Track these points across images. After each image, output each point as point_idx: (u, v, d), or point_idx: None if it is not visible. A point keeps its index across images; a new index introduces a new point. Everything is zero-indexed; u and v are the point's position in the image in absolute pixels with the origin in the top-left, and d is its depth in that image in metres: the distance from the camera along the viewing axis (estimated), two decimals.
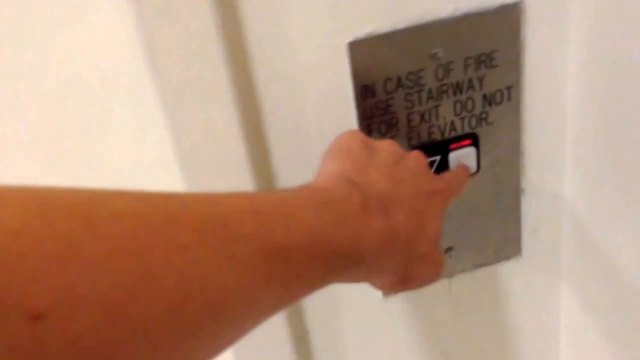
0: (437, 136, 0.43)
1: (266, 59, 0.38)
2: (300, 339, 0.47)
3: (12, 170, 0.40)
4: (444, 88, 0.42)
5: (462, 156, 0.44)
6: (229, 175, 0.40)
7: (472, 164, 0.45)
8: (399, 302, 0.48)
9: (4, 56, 0.37)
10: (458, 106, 0.43)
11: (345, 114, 0.41)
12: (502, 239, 0.49)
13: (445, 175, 0.41)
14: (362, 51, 0.39)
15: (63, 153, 0.41)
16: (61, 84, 0.37)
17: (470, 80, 0.42)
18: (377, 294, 0.47)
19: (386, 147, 0.35)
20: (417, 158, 0.36)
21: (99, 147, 0.40)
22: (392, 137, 0.42)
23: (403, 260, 0.33)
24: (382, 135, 0.42)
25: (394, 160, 0.34)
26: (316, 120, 0.41)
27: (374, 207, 0.31)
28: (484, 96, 0.43)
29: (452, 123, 0.43)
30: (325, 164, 0.34)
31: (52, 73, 0.37)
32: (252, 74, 0.38)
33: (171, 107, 0.36)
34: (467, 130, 0.44)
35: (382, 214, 0.31)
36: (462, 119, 0.43)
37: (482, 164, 0.45)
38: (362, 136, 0.36)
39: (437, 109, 0.42)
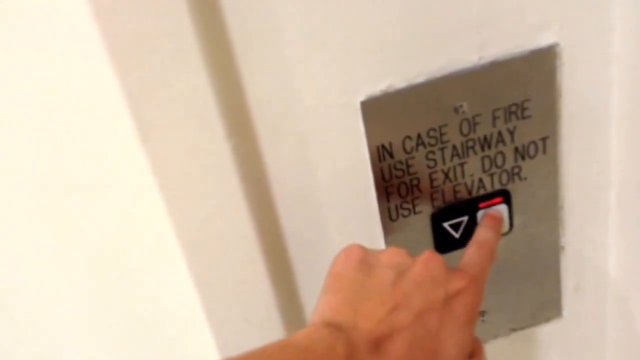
0: (464, 195, 0.39)
1: (272, 121, 0.34)
2: None
3: None
4: (470, 144, 0.37)
5: None
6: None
7: (506, 223, 0.40)
8: None
9: None
10: (487, 162, 0.38)
11: (360, 179, 0.36)
12: (541, 300, 0.44)
13: (468, 261, 0.35)
14: (376, 109, 0.35)
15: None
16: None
17: (499, 134, 0.37)
18: None
19: (387, 260, 0.31)
20: (427, 262, 0.31)
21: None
22: (414, 199, 0.38)
23: None
24: (403, 198, 0.38)
25: (396, 275, 0.30)
26: (329, 188, 0.36)
27: (363, 352, 0.27)
28: (516, 149, 0.38)
29: (481, 180, 0.38)
30: (318, 299, 0.30)
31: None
32: (257, 134, 0.34)
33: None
34: (497, 187, 0.39)
35: (374, 356, 0.27)
36: (492, 175, 0.38)
37: (516, 222, 0.40)
38: (358, 254, 0.31)
39: (463, 166, 0.38)
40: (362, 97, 0.34)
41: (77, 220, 0.38)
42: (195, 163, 0.32)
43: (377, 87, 0.34)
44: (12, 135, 0.35)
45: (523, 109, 0.37)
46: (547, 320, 0.44)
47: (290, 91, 0.33)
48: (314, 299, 0.31)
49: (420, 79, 0.35)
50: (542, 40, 0.35)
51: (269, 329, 0.37)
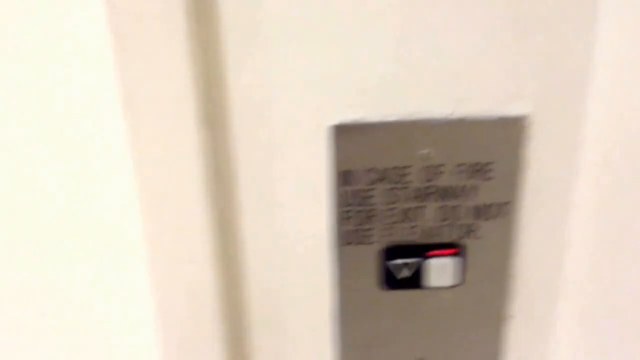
0: (417, 238, 0.41)
1: (245, 125, 0.37)
2: None
3: None
4: (431, 190, 0.39)
5: (443, 265, 0.41)
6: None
7: (452, 276, 0.42)
8: None
9: None
10: (445, 212, 0.40)
11: (319, 199, 0.39)
12: None
13: None
14: (345, 136, 0.38)
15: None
16: None
17: (460, 188, 0.39)
18: None
19: None
20: None
21: None
22: (368, 230, 0.40)
23: None
24: (357, 226, 0.40)
25: None
26: (289, 201, 0.39)
27: None
28: (475, 207, 0.40)
29: (438, 228, 0.40)
30: None
31: None
32: (230, 140, 0.38)
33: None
34: (453, 238, 0.41)
35: None
36: (449, 226, 0.40)
37: (466, 277, 0.42)
38: None
39: (422, 210, 0.40)
40: (334, 122, 0.37)
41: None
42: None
43: (350, 115, 0.37)
44: None
45: (487, 170, 0.39)
46: None
47: (265, 101, 0.36)
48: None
49: (392, 117, 0.37)
50: (513, 110, 0.37)
51: None
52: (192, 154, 0.36)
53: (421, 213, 0.40)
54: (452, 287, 0.42)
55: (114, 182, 0.34)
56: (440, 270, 0.41)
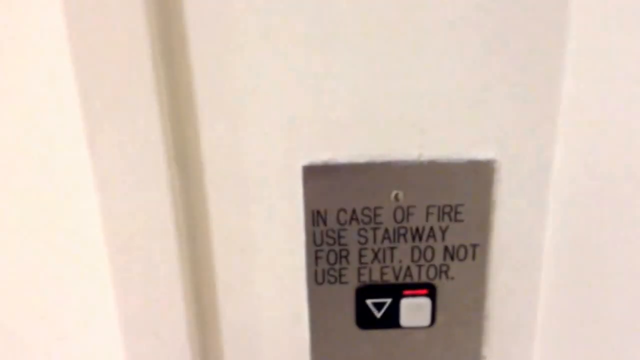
0: (390, 278, 0.41)
1: (217, 163, 0.38)
2: None
3: None
4: (402, 231, 0.40)
5: (416, 305, 0.42)
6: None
7: (426, 316, 0.42)
8: None
9: None
10: (416, 252, 0.41)
11: (292, 238, 0.40)
12: None
13: None
14: (316, 176, 0.39)
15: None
16: None
17: (431, 229, 0.40)
18: None
19: None
20: None
21: None
22: (341, 269, 0.41)
23: None
24: (331, 265, 0.41)
25: None
26: (263, 237, 0.40)
27: None
28: (446, 248, 0.41)
29: (409, 268, 0.41)
30: None
31: None
32: (203, 180, 0.39)
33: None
34: (424, 279, 0.41)
35: None
36: (420, 266, 0.41)
37: (438, 318, 0.42)
38: None
39: (393, 250, 0.41)
40: (304, 162, 0.38)
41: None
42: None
43: (320, 156, 0.38)
44: None
45: (456, 212, 0.40)
46: None
47: (237, 143, 0.38)
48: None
49: (362, 159, 0.38)
50: (480, 154, 0.38)
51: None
52: (164, 195, 0.37)
53: (393, 253, 0.41)
54: (426, 327, 0.42)
55: (81, 223, 0.35)
56: (413, 310, 0.42)
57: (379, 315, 0.42)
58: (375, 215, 0.40)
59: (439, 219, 0.40)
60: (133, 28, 0.32)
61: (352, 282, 0.41)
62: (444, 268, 0.41)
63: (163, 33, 0.34)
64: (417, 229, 0.40)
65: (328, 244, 0.40)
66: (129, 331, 0.39)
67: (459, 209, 0.39)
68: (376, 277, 0.41)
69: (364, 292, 0.42)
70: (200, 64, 0.36)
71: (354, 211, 0.40)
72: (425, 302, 0.42)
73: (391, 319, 0.42)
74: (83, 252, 0.39)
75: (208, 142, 0.38)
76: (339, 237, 0.40)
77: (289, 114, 0.37)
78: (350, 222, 0.40)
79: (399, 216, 0.40)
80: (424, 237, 0.40)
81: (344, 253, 0.41)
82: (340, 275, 0.41)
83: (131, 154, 0.35)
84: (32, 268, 0.41)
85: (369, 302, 0.42)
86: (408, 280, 0.41)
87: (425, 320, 0.42)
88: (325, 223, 0.40)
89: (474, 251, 0.41)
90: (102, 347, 0.41)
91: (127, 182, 0.35)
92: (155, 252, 0.38)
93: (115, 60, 0.33)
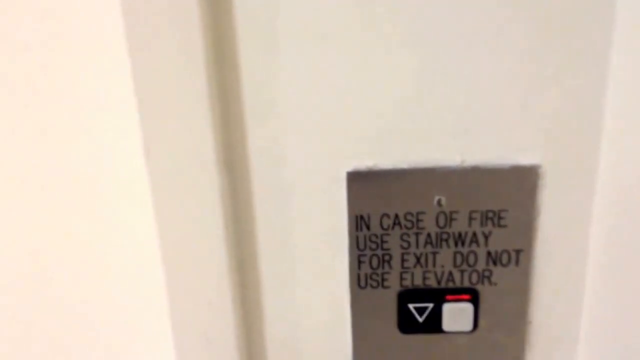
0: (432, 283, 0.41)
1: (263, 168, 0.39)
2: None
3: None
4: (445, 236, 0.40)
5: (458, 310, 0.42)
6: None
7: (468, 321, 0.42)
8: None
9: None
10: (459, 258, 0.41)
11: (336, 242, 0.41)
12: None
13: None
14: (360, 182, 0.39)
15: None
16: None
17: (474, 234, 0.40)
18: None
19: None
20: None
21: None
22: (384, 274, 0.41)
23: None
24: (373, 270, 0.41)
25: None
26: (307, 241, 0.41)
27: None
28: (489, 253, 0.41)
29: (451, 273, 0.41)
30: None
31: None
32: (249, 186, 0.40)
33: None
34: (466, 284, 0.41)
35: None
36: (462, 271, 0.41)
37: (481, 323, 0.42)
38: None
39: (435, 255, 0.41)
40: (349, 169, 0.39)
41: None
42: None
43: (364, 162, 0.39)
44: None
45: (500, 218, 0.40)
46: None
47: (283, 149, 0.38)
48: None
49: (404, 165, 0.39)
50: (524, 159, 0.38)
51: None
52: (212, 200, 0.37)
53: (436, 258, 0.41)
54: (468, 332, 0.42)
55: (136, 226, 0.36)
56: (456, 315, 0.42)
57: (421, 319, 0.42)
58: (417, 220, 0.40)
59: (482, 224, 0.40)
60: (187, 39, 0.33)
61: (394, 287, 0.42)
62: (486, 273, 0.41)
63: (215, 45, 0.35)
64: (459, 234, 0.40)
65: (371, 248, 0.41)
66: (179, 331, 0.39)
67: (503, 214, 0.39)
68: (418, 282, 0.41)
69: (406, 296, 0.42)
70: (249, 73, 0.36)
71: (396, 216, 0.40)
72: (467, 307, 0.42)
73: (433, 324, 0.42)
74: (135, 255, 0.41)
75: (255, 149, 0.38)
76: (382, 241, 0.41)
77: (333, 121, 0.38)
78: (393, 227, 0.40)
79: (441, 221, 0.40)
80: (467, 242, 0.40)
81: (386, 258, 0.41)
82: (383, 280, 0.41)
83: (183, 160, 0.36)
84: (84, 272, 0.42)
85: (411, 306, 0.42)
86: (450, 285, 0.41)
87: (467, 325, 0.42)
88: (368, 228, 0.40)
89: (518, 257, 0.40)
90: (153, 348, 0.42)
91: (180, 187, 0.36)
92: (204, 255, 0.39)
93: (171, 71, 0.34)
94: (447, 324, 0.42)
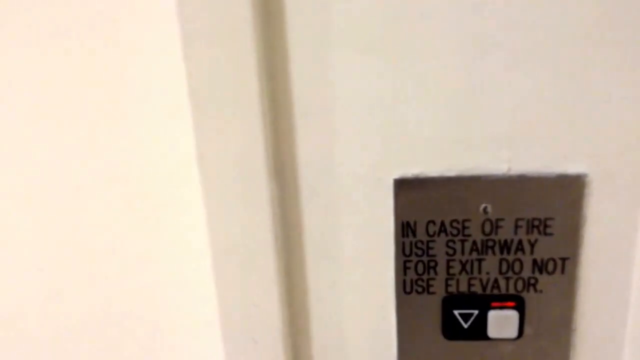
0: (477, 289, 0.42)
1: (312, 175, 0.40)
2: None
3: None
4: (490, 243, 0.41)
5: (503, 317, 0.42)
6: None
7: (513, 329, 0.42)
8: None
9: None
10: (504, 265, 0.41)
11: (382, 248, 0.41)
12: None
13: None
14: (407, 189, 0.40)
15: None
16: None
17: (520, 242, 0.41)
18: None
19: None
20: None
21: None
22: (429, 280, 0.42)
23: None
24: (419, 275, 0.42)
25: None
26: (353, 247, 0.42)
27: None
28: (534, 261, 0.41)
29: (496, 280, 0.42)
30: None
31: None
32: (294, 188, 0.41)
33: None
34: (512, 291, 0.42)
35: None
36: (508, 279, 0.42)
37: (526, 331, 0.42)
38: None
39: (481, 262, 0.41)
40: (396, 176, 0.40)
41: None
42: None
43: (410, 170, 0.39)
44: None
45: (546, 226, 0.40)
46: None
47: (331, 156, 0.39)
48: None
49: (451, 173, 0.39)
50: (571, 168, 0.39)
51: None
52: (262, 206, 0.39)
53: (481, 265, 0.41)
54: (513, 339, 0.42)
55: (187, 231, 0.37)
56: (501, 322, 0.42)
57: (466, 326, 0.43)
58: (463, 227, 0.40)
59: (527, 232, 0.40)
60: (241, 50, 0.35)
61: (439, 293, 0.42)
62: (532, 281, 0.41)
63: (267, 55, 0.36)
64: (505, 242, 0.41)
65: (417, 254, 0.41)
66: (228, 334, 0.41)
67: (549, 222, 0.40)
68: (463, 289, 0.42)
69: (451, 302, 0.42)
70: (299, 82, 0.37)
71: (442, 223, 0.41)
72: (512, 315, 0.42)
73: (478, 330, 0.43)
74: (186, 258, 0.42)
75: (304, 156, 0.39)
76: (428, 248, 0.41)
77: (381, 129, 0.38)
78: (439, 234, 0.41)
79: (487, 229, 0.40)
80: (513, 249, 0.41)
81: (432, 264, 0.42)
82: (428, 286, 0.42)
83: (234, 167, 0.37)
84: (136, 276, 0.44)
85: (456, 312, 0.43)
86: (495, 292, 0.42)
87: (512, 332, 0.42)
88: (414, 234, 0.41)
89: (564, 265, 0.41)
90: (203, 350, 0.43)
91: (230, 193, 0.37)
92: (253, 260, 0.40)
93: (224, 80, 0.35)
94: (492, 331, 0.42)
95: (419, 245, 0.41)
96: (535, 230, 0.40)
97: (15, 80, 0.41)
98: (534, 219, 0.40)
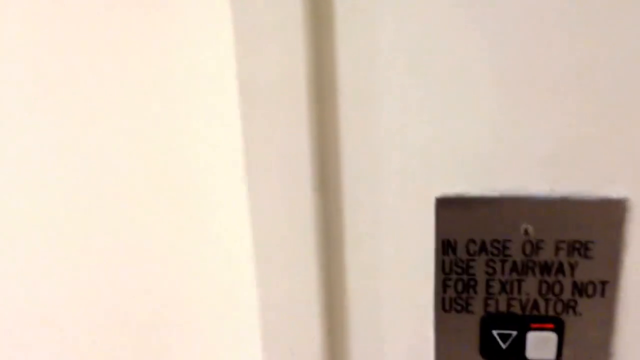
0: (517, 310, 0.42)
1: (356, 191, 0.41)
2: None
3: None
4: (531, 264, 0.41)
5: (542, 339, 0.42)
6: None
7: (552, 350, 0.43)
8: None
9: None
10: (544, 286, 0.42)
11: (422, 265, 0.42)
12: None
13: None
14: (449, 207, 0.41)
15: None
16: None
17: (560, 264, 0.41)
18: None
19: None
20: None
21: None
22: (469, 298, 0.42)
23: None
24: (458, 294, 0.42)
25: None
26: (394, 262, 0.42)
27: None
28: (574, 284, 0.41)
29: (536, 301, 0.42)
30: None
31: None
32: (338, 202, 0.42)
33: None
34: (551, 313, 0.42)
35: None
36: (547, 300, 0.42)
37: (565, 353, 0.43)
38: None
39: (521, 283, 0.42)
40: (438, 194, 0.41)
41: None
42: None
43: (453, 188, 0.40)
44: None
45: (586, 249, 0.40)
46: None
47: (376, 172, 0.40)
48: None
49: (493, 193, 0.40)
50: (613, 192, 0.39)
51: None
52: (306, 220, 0.40)
53: (521, 286, 0.42)
54: None
55: (234, 242, 0.38)
56: (540, 344, 0.43)
57: (504, 346, 0.43)
58: (504, 247, 0.41)
59: (568, 254, 0.41)
60: (291, 64, 0.36)
61: (478, 312, 0.43)
62: (571, 303, 0.42)
63: (316, 70, 0.38)
64: (545, 263, 0.41)
65: (456, 273, 0.42)
66: (268, 346, 0.42)
67: (589, 245, 0.40)
68: (503, 308, 0.42)
69: (490, 322, 0.43)
70: (347, 98, 0.39)
71: (483, 242, 0.41)
72: (551, 336, 0.42)
73: (516, 351, 0.43)
74: (231, 269, 0.43)
75: (349, 171, 0.41)
76: (468, 266, 0.42)
77: (426, 147, 0.39)
78: (479, 253, 0.41)
79: (528, 249, 0.41)
80: (553, 271, 0.41)
81: (471, 283, 0.42)
82: (467, 305, 0.43)
83: (282, 182, 0.38)
84: (181, 288, 0.45)
85: (494, 332, 0.43)
86: (535, 313, 0.42)
87: (550, 354, 0.43)
88: (455, 252, 0.42)
89: (603, 288, 0.41)
90: None
91: (276, 207, 0.39)
92: (295, 273, 0.41)
93: (273, 94, 0.37)
94: (530, 352, 0.43)
95: (459, 263, 0.42)
96: (576, 253, 0.41)
97: (67, 80, 0.43)
98: (574, 242, 0.40)
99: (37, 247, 0.48)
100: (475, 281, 0.42)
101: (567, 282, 0.41)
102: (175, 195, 0.45)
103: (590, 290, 0.41)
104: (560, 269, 0.41)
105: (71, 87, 0.44)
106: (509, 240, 0.41)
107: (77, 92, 0.43)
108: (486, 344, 0.43)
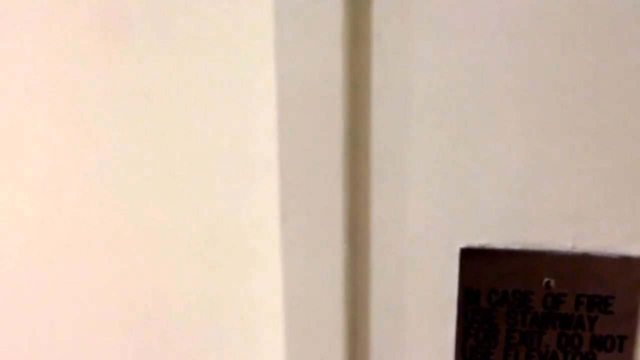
0: None
1: (383, 239, 0.43)
2: None
3: None
4: (551, 317, 0.42)
5: None
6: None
7: None
8: None
9: None
10: (564, 339, 0.43)
11: (445, 313, 0.43)
12: None
13: None
14: (472, 258, 0.42)
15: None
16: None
17: (580, 318, 0.42)
18: None
19: None
20: None
21: None
22: (490, 347, 0.43)
23: None
24: (479, 343, 0.43)
25: None
26: (417, 309, 0.44)
27: None
28: (593, 337, 0.42)
29: (555, 354, 0.43)
30: None
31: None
32: (365, 250, 0.43)
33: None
34: None
35: None
36: (567, 353, 0.43)
37: None
38: None
39: (541, 335, 0.43)
40: (463, 245, 0.42)
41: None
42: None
43: (477, 240, 0.42)
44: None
45: (607, 304, 0.41)
46: None
47: (403, 221, 0.42)
48: None
49: (516, 246, 0.41)
50: (634, 250, 0.40)
51: None
52: (334, 266, 0.41)
53: (541, 338, 0.43)
54: None
55: (263, 284, 0.40)
56: None
57: None
58: (526, 299, 0.42)
59: (588, 309, 0.42)
60: (329, 119, 0.38)
61: None
62: (590, 357, 0.42)
63: (351, 123, 0.39)
64: (566, 316, 0.42)
65: (478, 322, 0.43)
66: None
67: (610, 300, 0.41)
68: (522, 358, 0.43)
69: None
70: (378, 151, 0.40)
71: (505, 293, 0.42)
72: None
73: None
74: (259, 310, 0.44)
75: (377, 219, 0.42)
76: (490, 316, 0.43)
77: (452, 200, 0.41)
78: (501, 304, 0.42)
79: (548, 302, 0.42)
80: (572, 324, 0.42)
81: (492, 332, 0.43)
82: (488, 354, 0.44)
83: (314, 226, 0.40)
84: (209, 323, 0.46)
85: None
86: None
87: None
88: (477, 302, 0.43)
89: (622, 343, 0.42)
90: None
91: (309, 248, 0.40)
92: (321, 316, 0.42)
93: (310, 146, 0.39)
94: None
95: (481, 313, 0.43)
96: (596, 308, 0.41)
97: (98, 84, 0.45)
98: (595, 296, 0.41)
99: (49, 247, 0.49)
100: (497, 331, 0.43)
101: (586, 336, 0.42)
102: (213, 236, 0.46)
103: (608, 344, 0.42)
104: (580, 323, 0.42)
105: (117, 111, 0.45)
106: (531, 293, 0.42)
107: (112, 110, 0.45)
108: None
